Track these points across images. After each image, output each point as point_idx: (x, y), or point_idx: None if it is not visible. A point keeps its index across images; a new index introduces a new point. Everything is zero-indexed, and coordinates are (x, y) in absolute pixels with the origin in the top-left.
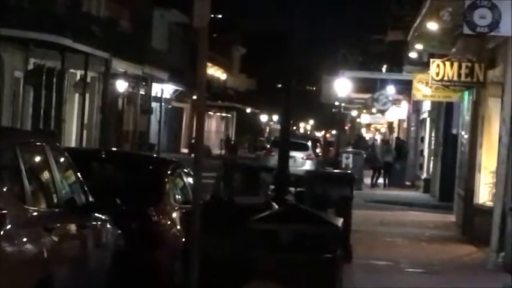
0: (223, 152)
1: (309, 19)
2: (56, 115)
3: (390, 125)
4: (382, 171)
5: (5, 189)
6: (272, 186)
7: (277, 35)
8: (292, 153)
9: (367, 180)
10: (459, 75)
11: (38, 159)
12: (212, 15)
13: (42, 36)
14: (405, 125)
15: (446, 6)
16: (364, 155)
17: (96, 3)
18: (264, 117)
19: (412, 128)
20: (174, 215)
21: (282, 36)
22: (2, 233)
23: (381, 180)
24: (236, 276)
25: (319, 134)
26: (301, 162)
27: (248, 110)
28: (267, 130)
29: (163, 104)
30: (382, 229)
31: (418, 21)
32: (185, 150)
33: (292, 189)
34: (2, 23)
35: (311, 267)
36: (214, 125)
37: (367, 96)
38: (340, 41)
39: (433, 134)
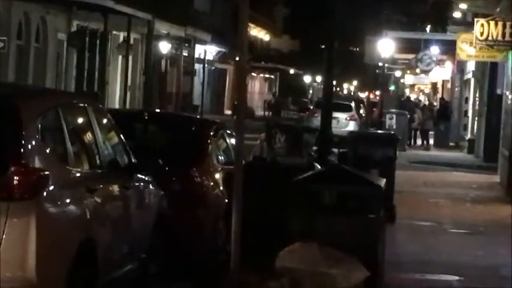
0: (267, 113)
1: None
2: (100, 77)
3: (434, 86)
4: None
5: (47, 151)
6: (315, 147)
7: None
8: (336, 114)
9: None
10: (503, 34)
11: (80, 120)
12: None
13: None
14: (449, 85)
15: None
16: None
17: None
18: (307, 78)
19: (456, 89)
20: (217, 175)
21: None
22: (45, 194)
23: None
24: (278, 237)
25: (362, 95)
26: (345, 123)
27: (291, 71)
28: (311, 91)
29: (206, 65)
30: (426, 190)
31: None
32: (228, 112)
33: (335, 150)
34: None
35: (354, 228)
36: (258, 87)
37: (410, 56)
38: (384, 0)
39: (477, 95)
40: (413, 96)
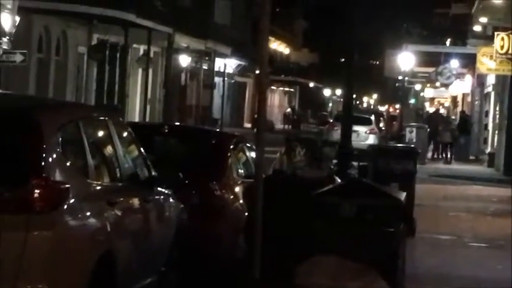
0: (286, 126)
1: None
2: (120, 90)
3: (454, 99)
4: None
5: (68, 164)
6: (335, 161)
7: (340, 8)
8: (356, 128)
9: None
10: None
11: (101, 133)
12: None
13: (105, 12)
14: (469, 99)
15: None
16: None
17: None
18: (327, 92)
19: (476, 102)
20: (237, 189)
21: (344, 9)
22: (65, 207)
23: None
24: (298, 250)
25: (382, 108)
26: (365, 136)
27: (311, 85)
28: (330, 104)
29: (226, 78)
30: (446, 203)
31: None
32: (248, 125)
33: (355, 163)
34: None
35: (373, 241)
36: (277, 100)
37: (430, 70)
38: (404, 14)
39: (497, 108)
40: (432, 110)
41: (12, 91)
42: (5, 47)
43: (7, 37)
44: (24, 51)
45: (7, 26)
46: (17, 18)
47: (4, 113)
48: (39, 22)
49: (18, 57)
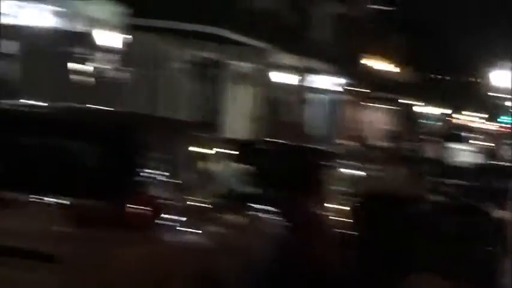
0: (385, 143)
1: (471, 8)
2: (215, 106)
3: None
4: None
5: (165, 179)
6: (435, 178)
7: (439, 25)
8: (456, 145)
9: None
10: None
11: (197, 149)
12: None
13: (200, 28)
14: None
15: None
16: None
17: None
18: (428, 109)
19: None
20: (336, 206)
21: (444, 26)
22: (162, 222)
23: None
24: (399, 267)
25: (486, 127)
26: (468, 154)
27: (411, 102)
28: (432, 122)
29: (323, 95)
30: None
31: None
32: (345, 142)
33: (455, 181)
34: (160, 15)
35: (474, 260)
36: (376, 117)
37: None
38: (504, 29)
39: None
40: None
41: (113, 107)
42: (108, 64)
43: (112, 54)
44: (127, 68)
45: (112, 43)
46: (123, 36)
47: (104, 129)
48: (136, 38)
49: (121, 74)
